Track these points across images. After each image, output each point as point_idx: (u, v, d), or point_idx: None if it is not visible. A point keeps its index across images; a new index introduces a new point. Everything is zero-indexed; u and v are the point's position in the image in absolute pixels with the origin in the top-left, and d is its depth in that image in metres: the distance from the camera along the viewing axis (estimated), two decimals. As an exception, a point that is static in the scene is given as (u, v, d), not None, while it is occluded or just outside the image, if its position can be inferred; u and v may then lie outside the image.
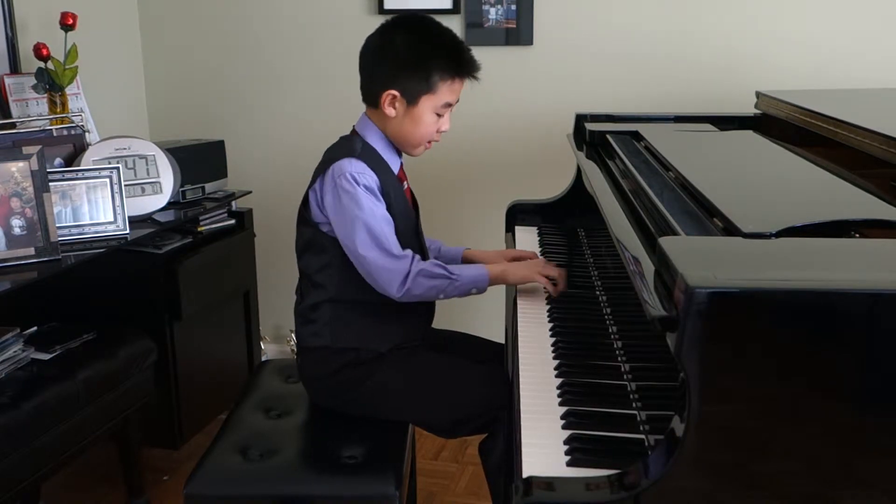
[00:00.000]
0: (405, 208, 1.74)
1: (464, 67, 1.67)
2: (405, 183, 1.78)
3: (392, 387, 1.69)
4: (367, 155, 1.68)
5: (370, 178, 1.64)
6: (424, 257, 1.79)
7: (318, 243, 1.70)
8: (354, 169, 1.63)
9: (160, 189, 2.32)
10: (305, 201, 1.71)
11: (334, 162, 1.65)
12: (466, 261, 1.89)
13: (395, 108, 1.67)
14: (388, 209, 1.67)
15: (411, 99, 1.66)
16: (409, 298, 1.64)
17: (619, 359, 1.44)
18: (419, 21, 1.71)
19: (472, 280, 1.67)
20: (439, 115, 1.69)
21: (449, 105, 1.69)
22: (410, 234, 1.75)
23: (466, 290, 1.68)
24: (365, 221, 1.61)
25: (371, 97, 1.70)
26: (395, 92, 1.65)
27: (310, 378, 1.77)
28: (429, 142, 1.72)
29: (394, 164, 1.74)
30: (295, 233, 1.75)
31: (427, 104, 1.66)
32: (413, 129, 1.68)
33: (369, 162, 1.66)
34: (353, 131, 1.75)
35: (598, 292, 1.73)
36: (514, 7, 2.66)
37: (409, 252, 1.65)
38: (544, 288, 1.73)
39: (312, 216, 1.69)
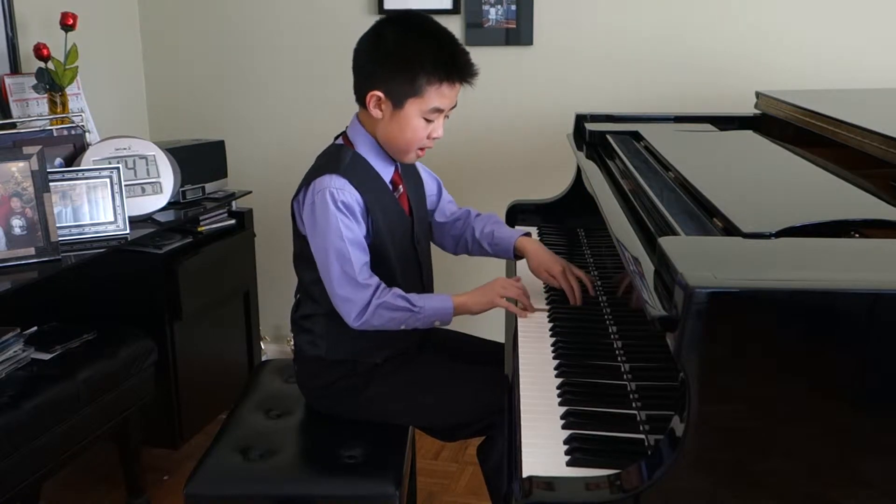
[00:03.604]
0: (398, 218, 1.68)
1: (454, 72, 1.57)
2: (401, 187, 1.72)
3: (389, 396, 1.68)
4: (353, 169, 1.61)
5: (350, 195, 1.57)
6: (422, 263, 1.76)
7: (308, 256, 1.64)
8: (335, 185, 1.56)
9: (160, 189, 2.32)
10: (293, 211, 1.67)
11: (317, 177, 1.59)
12: (518, 251, 1.79)
13: (380, 109, 1.59)
14: (374, 225, 1.61)
15: (397, 101, 1.57)
16: (367, 328, 1.58)
17: (619, 359, 1.44)
18: (412, 20, 1.62)
19: (434, 313, 1.60)
20: (429, 121, 1.59)
21: (439, 111, 1.59)
22: (406, 243, 1.71)
23: (429, 322, 1.61)
24: (333, 244, 1.55)
25: (359, 97, 1.63)
26: (379, 93, 1.57)
27: (307, 387, 1.76)
28: (420, 148, 1.63)
29: (386, 171, 1.67)
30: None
31: (413, 108, 1.57)
32: (399, 134, 1.60)
33: (354, 177, 1.59)
34: (345, 137, 1.69)
35: (598, 292, 1.73)
36: (513, 7, 2.65)
37: (373, 281, 1.58)
38: (547, 295, 1.70)
39: (298, 228, 1.66)
